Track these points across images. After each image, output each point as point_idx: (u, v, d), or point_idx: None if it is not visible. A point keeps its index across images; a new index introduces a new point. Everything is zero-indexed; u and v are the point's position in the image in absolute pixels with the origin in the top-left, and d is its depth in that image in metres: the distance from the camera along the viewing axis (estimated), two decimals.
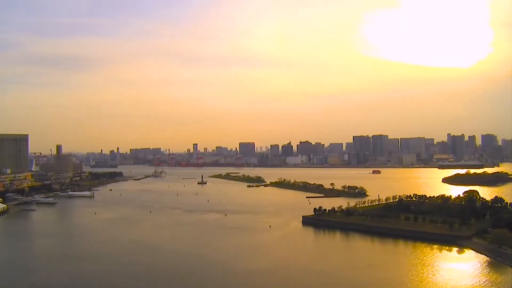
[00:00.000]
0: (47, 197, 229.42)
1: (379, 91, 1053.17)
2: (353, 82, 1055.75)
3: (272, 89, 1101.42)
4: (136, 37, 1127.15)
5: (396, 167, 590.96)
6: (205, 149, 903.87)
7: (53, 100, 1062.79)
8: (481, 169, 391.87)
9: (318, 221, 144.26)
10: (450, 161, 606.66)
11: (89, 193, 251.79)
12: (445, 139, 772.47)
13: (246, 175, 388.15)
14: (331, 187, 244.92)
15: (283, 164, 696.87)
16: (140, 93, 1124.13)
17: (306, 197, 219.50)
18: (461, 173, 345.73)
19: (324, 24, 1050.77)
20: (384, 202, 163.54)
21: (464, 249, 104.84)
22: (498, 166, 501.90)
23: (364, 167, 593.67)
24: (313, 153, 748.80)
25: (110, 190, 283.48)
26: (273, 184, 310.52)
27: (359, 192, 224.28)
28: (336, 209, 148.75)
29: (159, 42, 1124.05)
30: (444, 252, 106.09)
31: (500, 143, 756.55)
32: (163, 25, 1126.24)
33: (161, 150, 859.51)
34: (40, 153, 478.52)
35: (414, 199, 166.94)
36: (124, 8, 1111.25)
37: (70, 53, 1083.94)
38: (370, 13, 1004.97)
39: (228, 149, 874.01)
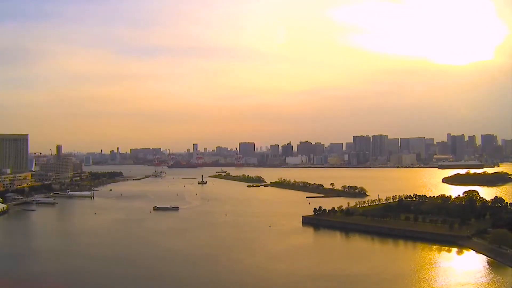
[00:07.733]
0: (47, 197, 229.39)
1: (372, 85, 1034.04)
2: (343, 77, 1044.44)
3: (256, 84, 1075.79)
4: (72, 24, 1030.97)
5: (396, 167, 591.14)
6: (205, 149, 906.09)
7: (15, 99, 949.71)
8: (481, 169, 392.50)
9: (318, 221, 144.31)
10: (450, 161, 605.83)
11: (89, 193, 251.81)
12: (445, 139, 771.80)
13: (246, 175, 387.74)
14: (331, 187, 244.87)
15: (283, 164, 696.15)
16: (101, 89, 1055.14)
17: (306, 197, 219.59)
18: (461, 173, 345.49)
19: (312, 18, 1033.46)
20: (384, 202, 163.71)
21: (464, 249, 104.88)
22: (498, 166, 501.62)
23: (364, 167, 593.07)
24: (313, 153, 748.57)
25: (110, 190, 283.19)
26: (273, 184, 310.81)
27: (359, 192, 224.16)
28: (336, 209, 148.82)
29: (99, 30, 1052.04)
30: (444, 252, 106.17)
31: (500, 143, 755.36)
32: (104, 13, 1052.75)
33: (161, 150, 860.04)
34: (40, 153, 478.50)
35: (414, 199, 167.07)
36: None
37: None
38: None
39: (228, 149, 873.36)
